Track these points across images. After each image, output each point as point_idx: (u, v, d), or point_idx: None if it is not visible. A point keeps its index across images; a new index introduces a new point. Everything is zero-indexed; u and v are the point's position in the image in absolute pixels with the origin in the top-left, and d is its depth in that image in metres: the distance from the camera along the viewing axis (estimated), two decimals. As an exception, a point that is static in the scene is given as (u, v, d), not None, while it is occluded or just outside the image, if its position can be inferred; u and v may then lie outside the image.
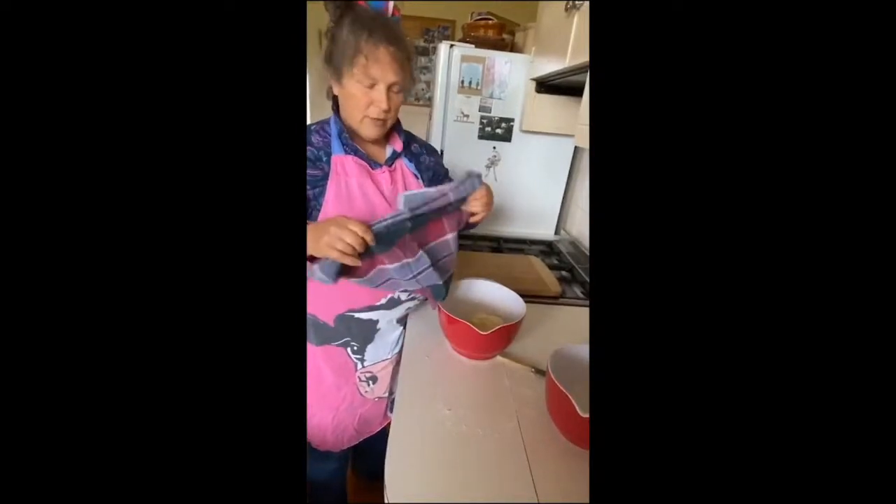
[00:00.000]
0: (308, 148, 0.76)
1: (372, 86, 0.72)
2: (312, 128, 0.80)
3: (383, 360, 0.89)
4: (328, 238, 0.62)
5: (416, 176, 0.89)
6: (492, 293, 0.96)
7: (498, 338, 0.80)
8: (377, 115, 0.75)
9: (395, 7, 0.75)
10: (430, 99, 1.72)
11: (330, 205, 0.76)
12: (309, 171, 0.75)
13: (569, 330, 0.99)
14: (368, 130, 0.77)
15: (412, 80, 0.78)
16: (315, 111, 2.63)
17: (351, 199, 0.77)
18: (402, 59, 0.73)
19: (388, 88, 0.73)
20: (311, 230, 0.64)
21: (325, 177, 0.76)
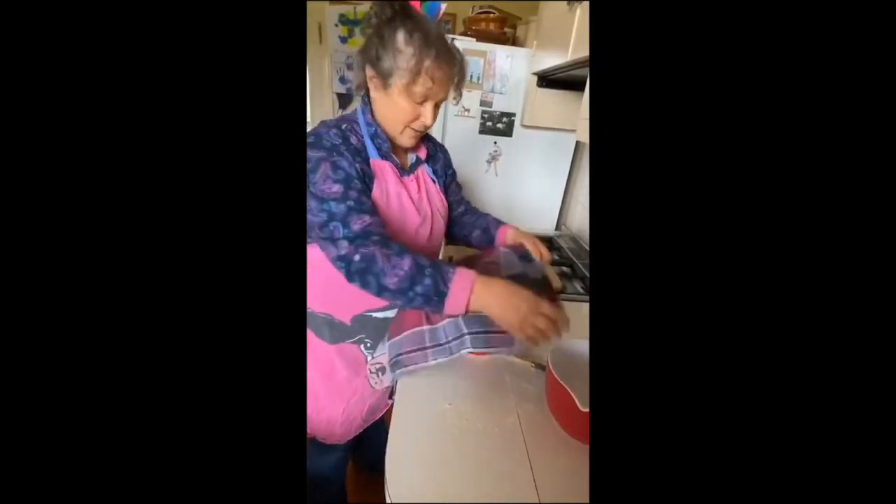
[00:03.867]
0: (350, 146, 0.72)
1: (423, 102, 0.72)
2: (343, 126, 0.75)
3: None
4: (521, 319, 0.62)
5: (433, 181, 0.88)
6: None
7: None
8: (420, 128, 0.75)
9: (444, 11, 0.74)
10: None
11: None
12: (363, 167, 0.72)
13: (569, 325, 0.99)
14: (407, 140, 0.77)
15: (459, 95, 0.77)
16: (315, 110, 2.62)
17: (389, 206, 0.76)
18: (460, 80, 0.74)
19: (436, 104, 0.73)
20: (498, 294, 0.63)
21: (373, 177, 0.74)
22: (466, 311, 0.64)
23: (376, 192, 0.74)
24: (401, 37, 0.67)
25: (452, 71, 0.71)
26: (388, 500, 0.54)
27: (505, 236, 0.93)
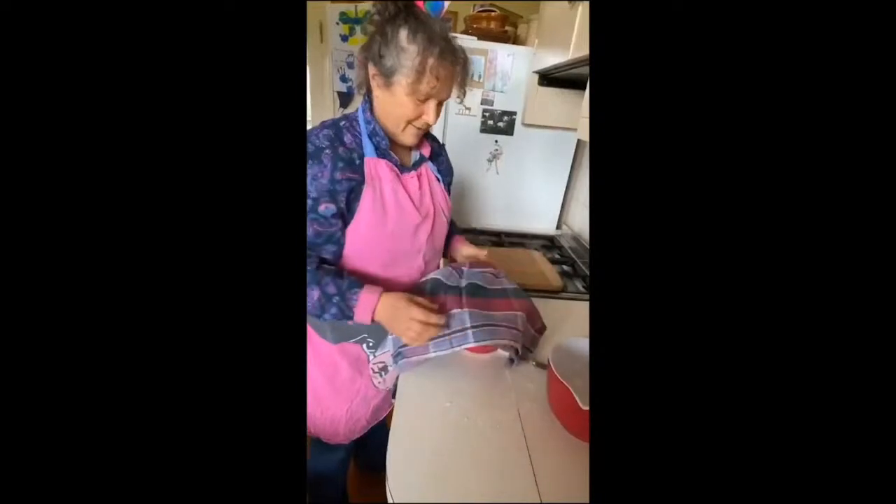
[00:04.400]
0: (340, 147, 0.71)
1: (427, 100, 0.71)
2: (342, 124, 0.75)
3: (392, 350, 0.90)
4: (399, 325, 0.70)
5: (438, 179, 0.88)
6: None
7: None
8: (423, 126, 0.74)
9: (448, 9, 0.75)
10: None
11: (365, 213, 0.73)
12: (347, 174, 0.71)
13: (570, 324, 0.99)
14: (409, 138, 0.76)
15: (464, 94, 0.77)
16: (315, 109, 2.62)
17: (385, 207, 0.76)
18: (463, 78, 0.74)
19: (440, 103, 0.73)
20: (385, 306, 0.70)
21: (363, 182, 0.73)
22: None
23: (367, 193, 0.73)
24: (404, 35, 0.67)
25: (456, 69, 0.71)
26: (389, 500, 0.54)
27: (453, 249, 0.98)
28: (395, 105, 0.72)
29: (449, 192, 0.94)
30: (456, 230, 1.03)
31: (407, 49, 0.67)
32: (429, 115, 0.72)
